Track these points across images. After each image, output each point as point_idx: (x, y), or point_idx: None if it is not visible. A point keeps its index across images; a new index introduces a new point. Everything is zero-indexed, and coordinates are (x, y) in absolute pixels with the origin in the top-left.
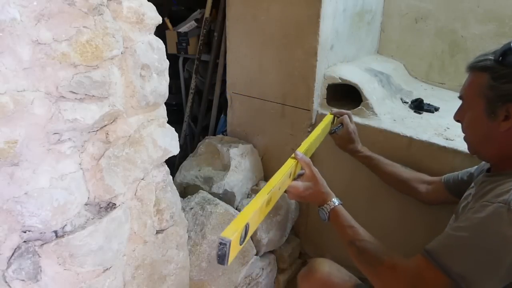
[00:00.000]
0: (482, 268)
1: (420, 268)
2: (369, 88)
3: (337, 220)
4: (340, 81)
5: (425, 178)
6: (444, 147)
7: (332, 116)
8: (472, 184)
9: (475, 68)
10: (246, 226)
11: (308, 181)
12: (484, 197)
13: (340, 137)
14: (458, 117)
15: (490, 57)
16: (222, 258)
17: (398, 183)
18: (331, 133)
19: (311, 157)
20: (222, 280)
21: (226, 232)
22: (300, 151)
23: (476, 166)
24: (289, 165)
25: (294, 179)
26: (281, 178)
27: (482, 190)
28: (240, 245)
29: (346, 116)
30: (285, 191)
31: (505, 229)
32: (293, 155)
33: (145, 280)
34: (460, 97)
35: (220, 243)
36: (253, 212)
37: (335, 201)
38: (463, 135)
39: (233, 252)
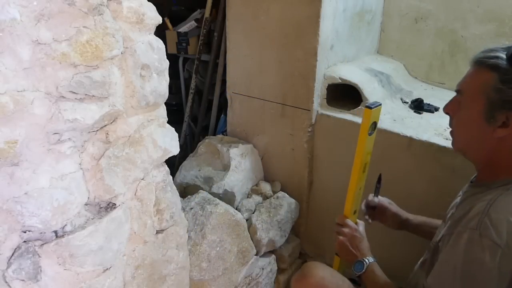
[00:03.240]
0: None
1: None
2: (369, 88)
3: (372, 272)
4: (340, 81)
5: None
6: (444, 147)
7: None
8: (460, 192)
9: (484, 64)
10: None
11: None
12: (461, 221)
13: (390, 219)
14: (449, 110)
15: (502, 55)
16: None
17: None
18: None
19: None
20: (222, 280)
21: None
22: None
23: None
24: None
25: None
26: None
27: (463, 206)
28: None
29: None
30: (341, 226)
31: (481, 255)
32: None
33: (145, 280)
34: (457, 91)
35: None
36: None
37: (372, 259)
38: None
39: None
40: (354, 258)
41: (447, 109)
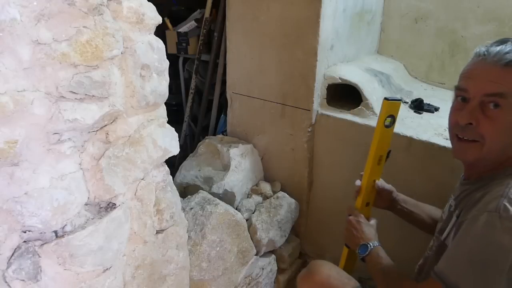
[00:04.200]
0: (488, 282)
1: None
2: (369, 88)
3: (376, 255)
4: (340, 81)
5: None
6: (444, 147)
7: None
8: (452, 196)
9: None
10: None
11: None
12: (475, 206)
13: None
14: (477, 119)
15: None
16: None
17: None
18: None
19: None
20: (222, 280)
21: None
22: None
23: None
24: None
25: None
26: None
27: (471, 199)
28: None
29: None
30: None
31: (499, 237)
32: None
33: (145, 280)
34: (499, 94)
35: None
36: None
37: (377, 243)
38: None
39: None
40: (359, 241)
41: (468, 119)
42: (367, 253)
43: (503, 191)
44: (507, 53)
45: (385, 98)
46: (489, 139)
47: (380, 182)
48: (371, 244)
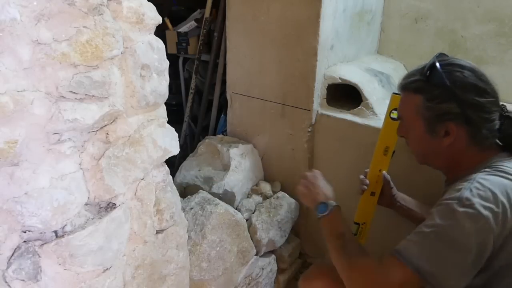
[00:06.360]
0: (448, 263)
1: (391, 266)
2: (369, 88)
3: (337, 217)
4: (340, 81)
5: None
6: None
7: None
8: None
9: (409, 89)
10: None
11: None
12: (441, 199)
13: (384, 194)
14: (401, 133)
15: (420, 77)
16: None
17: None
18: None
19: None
20: (222, 280)
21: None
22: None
23: None
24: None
25: None
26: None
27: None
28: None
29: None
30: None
31: (462, 221)
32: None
33: (145, 280)
34: (398, 118)
35: None
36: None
37: (336, 203)
38: None
39: None
40: (317, 198)
41: (400, 133)
42: (327, 212)
43: (468, 184)
44: (403, 78)
45: (394, 93)
46: (411, 149)
47: (387, 175)
48: (330, 203)
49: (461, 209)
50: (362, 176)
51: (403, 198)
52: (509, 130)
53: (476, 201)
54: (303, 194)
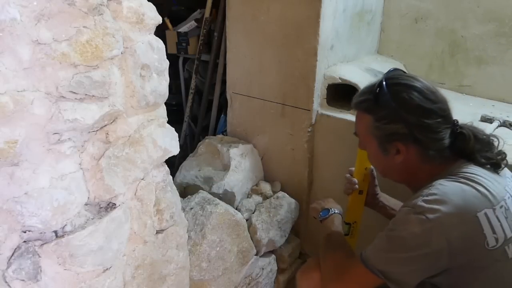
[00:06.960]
0: (401, 264)
1: (355, 263)
2: None
3: (334, 220)
4: (340, 81)
5: None
6: None
7: None
8: None
9: (360, 108)
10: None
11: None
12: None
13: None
14: (361, 148)
15: (369, 97)
16: None
17: None
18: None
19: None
20: (222, 280)
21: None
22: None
23: None
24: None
25: None
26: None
27: None
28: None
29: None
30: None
31: (413, 227)
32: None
33: (145, 280)
34: (355, 134)
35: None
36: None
37: (338, 211)
38: None
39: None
40: (323, 206)
41: (360, 147)
42: (327, 215)
43: (426, 191)
44: (356, 96)
45: None
46: (372, 163)
47: (375, 170)
48: (333, 210)
49: (413, 216)
50: (348, 175)
51: (386, 198)
52: (462, 146)
53: (428, 207)
54: (313, 208)
